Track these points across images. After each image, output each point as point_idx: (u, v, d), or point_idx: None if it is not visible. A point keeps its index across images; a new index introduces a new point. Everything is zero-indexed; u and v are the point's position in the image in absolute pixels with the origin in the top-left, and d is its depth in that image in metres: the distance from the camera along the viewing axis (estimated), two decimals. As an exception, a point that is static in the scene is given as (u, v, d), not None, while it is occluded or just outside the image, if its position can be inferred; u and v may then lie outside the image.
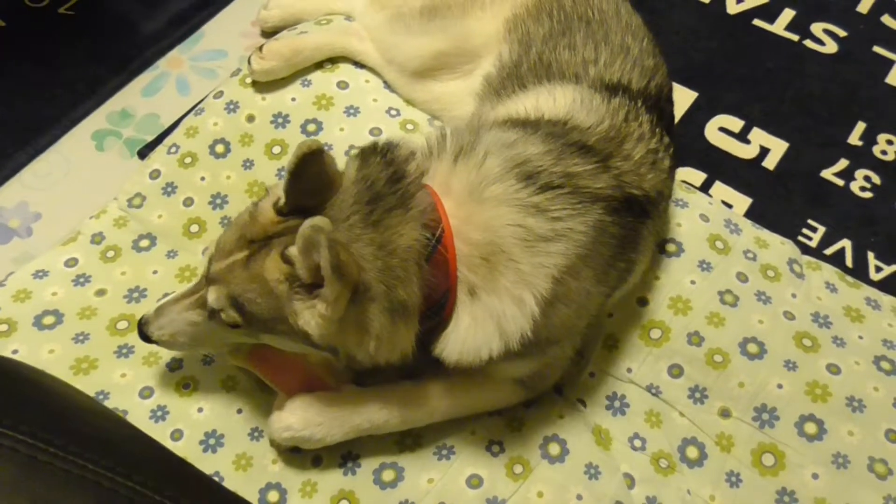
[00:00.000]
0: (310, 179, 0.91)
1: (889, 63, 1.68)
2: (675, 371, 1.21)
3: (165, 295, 1.23)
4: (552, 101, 1.14)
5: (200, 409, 1.14)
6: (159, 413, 1.13)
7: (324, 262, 0.84)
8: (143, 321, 1.04)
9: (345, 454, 1.10)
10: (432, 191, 0.98)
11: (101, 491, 0.62)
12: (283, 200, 0.93)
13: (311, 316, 0.90)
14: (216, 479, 1.08)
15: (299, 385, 1.08)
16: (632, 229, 1.06)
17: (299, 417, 1.05)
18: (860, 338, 1.25)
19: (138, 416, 1.12)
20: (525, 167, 0.98)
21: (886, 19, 1.75)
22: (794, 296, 1.29)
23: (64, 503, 0.61)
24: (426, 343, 0.99)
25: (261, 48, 1.43)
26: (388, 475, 1.09)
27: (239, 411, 1.15)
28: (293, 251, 0.87)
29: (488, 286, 0.95)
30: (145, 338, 1.04)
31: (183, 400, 1.15)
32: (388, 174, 0.94)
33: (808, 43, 1.70)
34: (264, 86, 1.45)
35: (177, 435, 1.11)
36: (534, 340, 0.97)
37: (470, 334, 0.96)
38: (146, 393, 1.15)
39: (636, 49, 1.23)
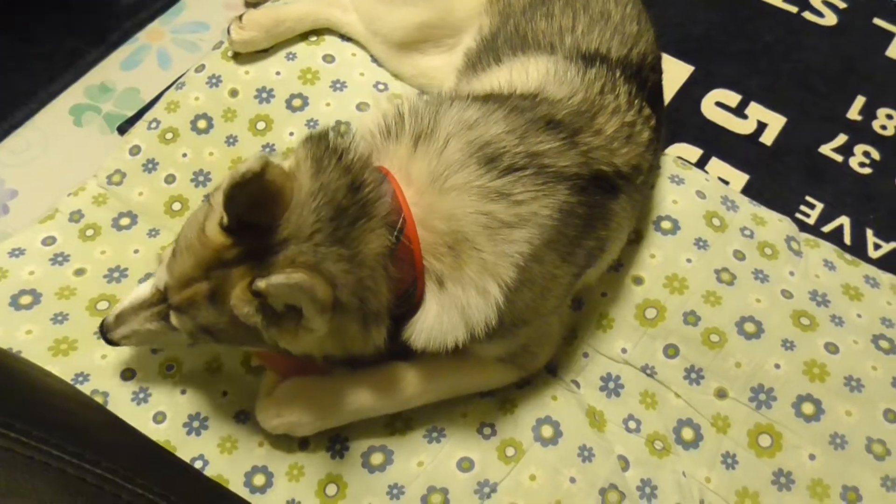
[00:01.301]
0: (252, 196, 0.82)
1: (889, 35, 1.62)
2: (671, 351, 1.16)
3: (147, 276, 1.20)
4: (525, 74, 1.09)
5: (184, 392, 1.10)
6: (141, 395, 1.09)
7: (306, 311, 0.83)
8: (105, 327, 0.99)
9: (333, 437, 1.06)
10: (391, 177, 0.94)
11: (66, 478, 0.59)
12: (226, 221, 0.84)
13: (290, 339, 0.88)
14: (200, 462, 1.05)
15: (289, 363, 1.04)
16: (601, 207, 1.02)
17: (289, 405, 1.02)
18: (859, 316, 1.21)
19: (119, 398, 1.08)
20: (486, 150, 0.94)
21: (887, -9, 1.69)
22: (791, 274, 1.25)
23: (25, 490, 0.57)
24: (396, 327, 0.96)
25: (240, 18, 1.37)
26: (376, 458, 1.05)
27: (224, 394, 1.10)
28: (262, 286, 0.80)
29: (454, 275, 0.93)
30: (109, 342, 1.00)
31: (166, 382, 1.10)
32: (348, 183, 0.88)
33: (808, 15, 1.64)
34: (247, 59, 1.39)
35: (159, 418, 1.07)
36: (499, 325, 0.95)
37: (437, 323, 0.94)
38: (128, 374, 1.10)
39: (618, 15, 1.17)
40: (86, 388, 1.08)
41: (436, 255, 0.93)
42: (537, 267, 0.95)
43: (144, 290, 0.97)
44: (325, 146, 0.91)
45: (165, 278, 0.92)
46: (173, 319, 0.92)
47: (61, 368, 1.10)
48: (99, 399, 1.08)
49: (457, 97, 1.03)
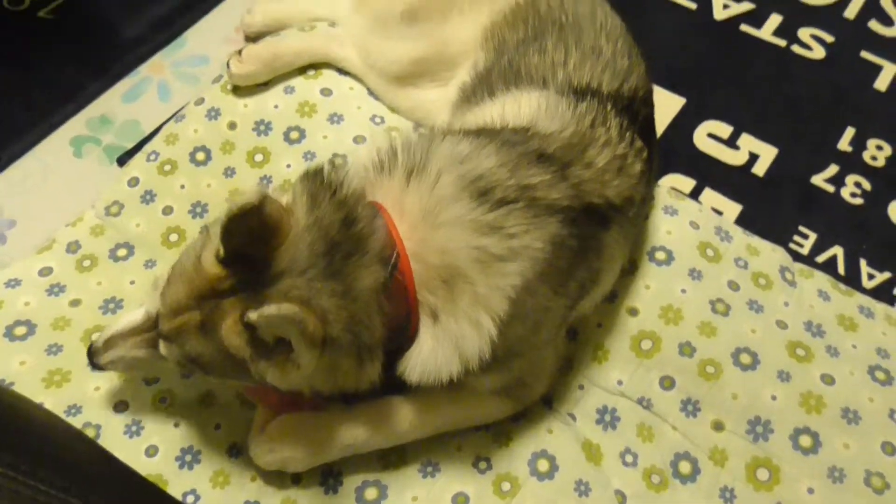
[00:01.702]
0: (250, 229, 0.83)
1: (877, 68, 1.63)
2: (667, 383, 1.15)
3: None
4: (517, 108, 1.10)
5: (177, 425, 1.08)
6: (134, 428, 1.07)
7: (296, 344, 0.82)
8: (93, 350, 0.98)
9: (326, 471, 1.05)
10: (385, 212, 0.94)
11: None
12: (222, 253, 0.85)
13: (278, 373, 0.87)
14: (192, 496, 1.03)
15: (281, 399, 1.02)
16: (593, 239, 1.02)
17: (282, 441, 1.01)
18: (854, 347, 1.20)
19: (112, 431, 1.07)
20: (478, 183, 0.94)
21: (873, 24, 1.71)
22: (786, 304, 1.24)
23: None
24: (390, 361, 0.95)
25: (240, 52, 1.38)
26: (370, 493, 1.03)
27: (217, 427, 1.09)
28: (253, 317, 0.80)
29: (448, 308, 0.93)
30: (95, 366, 0.99)
31: (159, 414, 1.09)
32: (341, 218, 0.88)
33: (796, 48, 1.66)
34: (246, 92, 1.40)
35: (152, 451, 1.06)
36: (493, 358, 0.94)
37: (431, 356, 0.93)
38: (121, 407, 1.09)
39: (609, 50, 1.19)
40: (78, 420, 1.07)
41: (430, 289, 0.93)
42: (530, 300, 0.95)
43: (136, 316, 0.97)
44: (319, 181, 0.91)
45: (158, 305, 0.91)
46: (162, 348, 0.92)
47: (54, 400, 1.09)
48: (91, 431, 1.07)
49: (449, 132, 1.04)
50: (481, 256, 0.92)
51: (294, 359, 0.84)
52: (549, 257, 0.95)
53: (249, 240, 0.83)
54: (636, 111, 1.17)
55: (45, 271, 1.22)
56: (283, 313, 0.79)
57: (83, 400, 1.09)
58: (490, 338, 0.92)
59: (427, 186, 0.93)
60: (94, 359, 0.98)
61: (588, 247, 1.02)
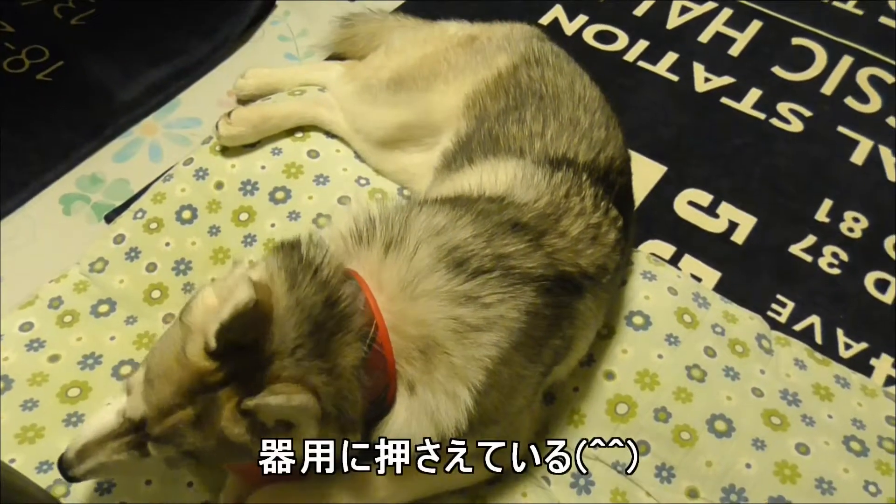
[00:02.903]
0: (242, 322, 0.86)
1: (853, 143, 1.76)
2: (642, 448, 1.21)
3: (122, 363, 1.26)
4: (494, 177, 1.18)
5: (149, 482, 1.13)
6: (105, 486, 1.12)
7: (304, 425, 0.89)
8: (66, 464, 0.96)
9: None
10: (363, 284, 0.99)
11: None
12: (213, 345, 0.86)
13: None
14: (161, 557, 1.06)
15: (257, 469, 1.07)
16: (566, 307, 1.09)
17: None
18: (829, 417, 1.27)
19: (83, 489, 1.11)
20: (455, 254, 1.01)
21: (850, 101, 1.85)
22: (762, 372, 1.31)
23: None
24: (367, 429, 1.00)
25: (229, 114, 1.49)
26: (343, 556, 1.07)
27: (189, 485, 1.13)
28: (251, 404, 0.86)
29: (424, 379, 0.98)
30: (71, 479, 0.98)
31: (131, 472, 1.13)
32: (324, 298, 0.94)
33: (775, 121, 1.79)
34: (234, 153, 1.50)
35: (122, 509, 1.10)
36: (468, 427, 0.99)
37: (405, 429, 0.99)
38: (92, 464, 1.13)
39: (586, 121, 1.28)
40: (49, 478, 1.11)
41: (408, 360, 0.98)
42: (505, 369, 1.01)
43: (107, 421, 0.96)
44: (297, 258, 0.96)
45: (142, 409, 0.91)
46: (153, 450, 0.92)
47: (25, 456, 1.14)
48: (61, 489, 1.11)
49: (426, 203, 1.12)
50: (458, 327, 0.98)
51: (297, 436, 0.90)
52: (524, 327, 1.02)
53: (241, 332, 0.88)
54: (612, 181, 1.26)
55: (26, 326, 1.29)
56: (296, 403, 0.85)
57: (55, 457, 1.11)
58: (466, 409, 0.98)
59: (405, 258, 1.00)
60: (70, 472, 0.96)
61: (562, 315, 1.09)
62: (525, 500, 1.15)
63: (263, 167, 1.49)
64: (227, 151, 1.50)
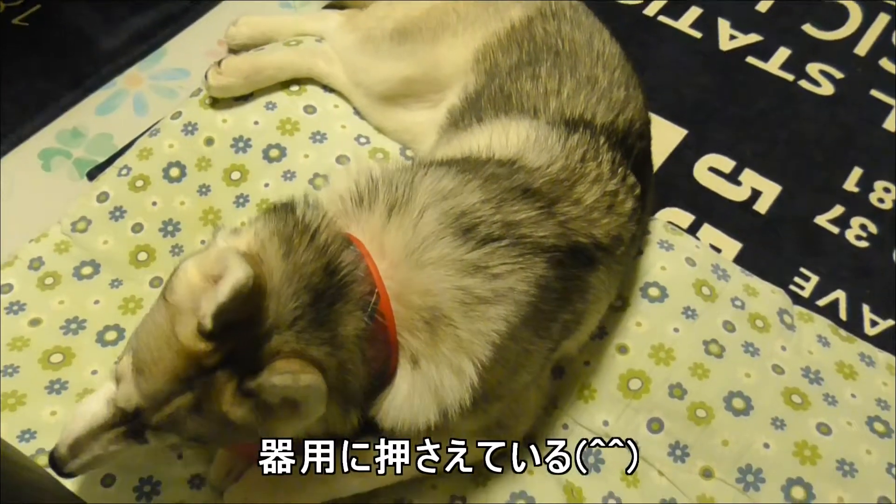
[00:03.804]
0: (238, 300, 0.84)
1: (887, 108, 1.73)
2: (655, 426, 1.21)
3: (107, 328, 1.25)
4: (504, 138, 1.16)
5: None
6: (91, 457, 1.12)
7: (313, 402, 0.88)
8: (59, 460, 0.94)
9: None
10: (364, 250, 0.97)
11: None
12: (210, 327, 0.83)
13: (282, 428, 0.92)
14: (149, 530, 1.07)
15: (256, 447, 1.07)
16: (578, 280, 1.08)
17: (257, 489, 1.04)
18: (853, 396, 1.27)
19: (68, 460, 1.11)
20: (462, 220, 0.99)
21: (885, 63, 1.82)
22: (783, 348, 1.31)
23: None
24: (366, 403, 1.00)
25: (219, 63, 1.46)
26: (340, 532, 1.08)
27: (179, 456, 1.13)
28: (254, 385, 0.85)
29: (429, 352, 0.97)
30: (64, 475, 0.96)
31: (117, 443, 1.13)
32: (323, 265, 0.92)
33: (804, 83, 1.76)
34: (225, 107, 1.47)
35: (108, 481, 1.10)
36: (472, 403, 0.98)
37: (407, 404, 0.98)
38: (77, 434, 1.13)
39: (605, 80, 1.25)
40: (32, 446, 1.11)
41: (411, 331, 0.97)
42: (513, 345, 1.00)
43: (96, 411, 0.94)
44: (293, 223, 0.94)
45: (135, 398, 0.89)
46: (152, 439, 0.91)
47: (7, 425, 1.13)
48: (44, 458, 1.11)
49: (431, 164, 1.09)
50: (465, 298, 0.97)
51: (304, 413, 0.89)
52: (534, 300, 1.00)
53: (237, 310, 0.84)
54: (631, 145, 1.23)
55: (6, 288, 1.28)
56: (304, 384, 0.84)
57: (38, 425, 1.14)
58: (471, 385, 0.97)
59: (410, 223, 0.98)
60: (63, 468, 0.94)
61: (573, 288, 1.07)
62: (531, 478, 1.15)
63: (256, 122, 1.46)
64: (217, 105, 1.48)
